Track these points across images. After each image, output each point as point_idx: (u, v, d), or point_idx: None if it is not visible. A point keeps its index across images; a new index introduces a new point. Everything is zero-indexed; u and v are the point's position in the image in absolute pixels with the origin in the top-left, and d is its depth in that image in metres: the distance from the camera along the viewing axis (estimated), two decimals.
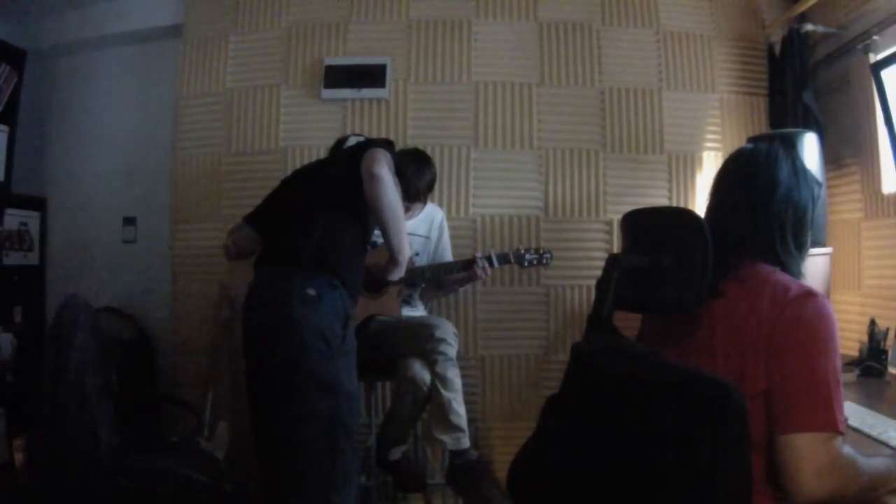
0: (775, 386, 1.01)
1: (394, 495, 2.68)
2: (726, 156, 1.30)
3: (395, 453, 2.27)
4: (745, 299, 1.09)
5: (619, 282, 1.18)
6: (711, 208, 1.25)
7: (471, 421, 2.30)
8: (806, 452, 0.96)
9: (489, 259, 2.36)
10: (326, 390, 1.65)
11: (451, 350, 2.15)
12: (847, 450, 0.99)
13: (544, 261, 2.43)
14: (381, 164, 1.74)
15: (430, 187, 2.46)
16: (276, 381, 1.67)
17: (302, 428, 1.64)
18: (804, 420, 0.97)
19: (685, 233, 1.18)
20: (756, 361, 1.03)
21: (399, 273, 1.88)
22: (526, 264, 2.42)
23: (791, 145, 2.32)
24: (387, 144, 1.94)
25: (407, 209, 2.33)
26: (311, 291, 1.67)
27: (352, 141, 2.18)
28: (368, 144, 1.91)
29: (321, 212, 1.83)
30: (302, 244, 1.77)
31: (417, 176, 2.35)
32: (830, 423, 0.97)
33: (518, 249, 2.43)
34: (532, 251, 2.42)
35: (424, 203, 2.50)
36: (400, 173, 2.27)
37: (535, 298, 2.81)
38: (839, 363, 1.03)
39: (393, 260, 1.85)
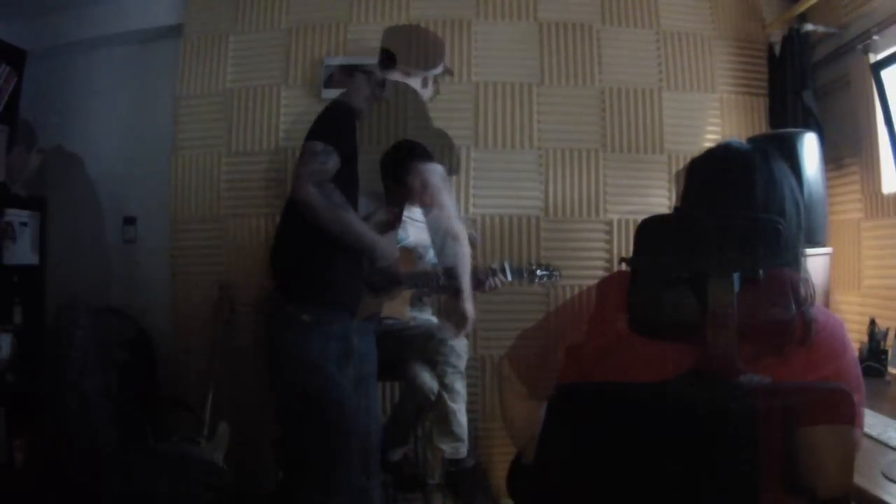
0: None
1: (394, 495, 2.68)
2: None
3: (396, 454, 2.27)
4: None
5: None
6: (707, 213, 1.21)
7: (471, 421, 2.30)
8: (829, 444, 0.94)
9: (503, 270, 2.37)
10: (321, 406, 1.71)
11: (461, 362, 2.15)
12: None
13: (554, 278, 2.47)
14: (302, 187, 1.61)
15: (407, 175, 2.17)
16: (278, 398, 1.86)
17: (301, 436, 1.75)
18: (827, 412, 0.95)
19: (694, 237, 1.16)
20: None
21: (386, 262, 1.89)
22: (536, 280, 2.45)
23: (790, 144, 2.33)
24: (328, 125, 1.76)
25: (397, 202, 2.20)
26: (306, 317, 1.71)
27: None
28: (308, 139, 1.73)
29: (295, 225, 1.77)
30: (287, 264, 1.80)
31: (396, 172, 2.22)
32: (852, 417, 0.95)
33: (530, 265, 2.48)
34: (543, 268, 2.46)
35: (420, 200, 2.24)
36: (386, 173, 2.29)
37: (535, 298, 2.80)
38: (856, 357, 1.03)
39: (370, 259, 1.86)
